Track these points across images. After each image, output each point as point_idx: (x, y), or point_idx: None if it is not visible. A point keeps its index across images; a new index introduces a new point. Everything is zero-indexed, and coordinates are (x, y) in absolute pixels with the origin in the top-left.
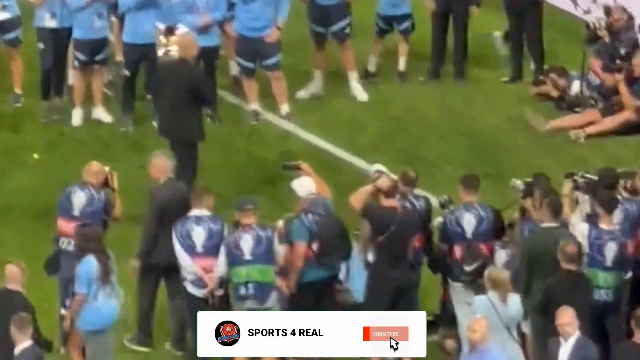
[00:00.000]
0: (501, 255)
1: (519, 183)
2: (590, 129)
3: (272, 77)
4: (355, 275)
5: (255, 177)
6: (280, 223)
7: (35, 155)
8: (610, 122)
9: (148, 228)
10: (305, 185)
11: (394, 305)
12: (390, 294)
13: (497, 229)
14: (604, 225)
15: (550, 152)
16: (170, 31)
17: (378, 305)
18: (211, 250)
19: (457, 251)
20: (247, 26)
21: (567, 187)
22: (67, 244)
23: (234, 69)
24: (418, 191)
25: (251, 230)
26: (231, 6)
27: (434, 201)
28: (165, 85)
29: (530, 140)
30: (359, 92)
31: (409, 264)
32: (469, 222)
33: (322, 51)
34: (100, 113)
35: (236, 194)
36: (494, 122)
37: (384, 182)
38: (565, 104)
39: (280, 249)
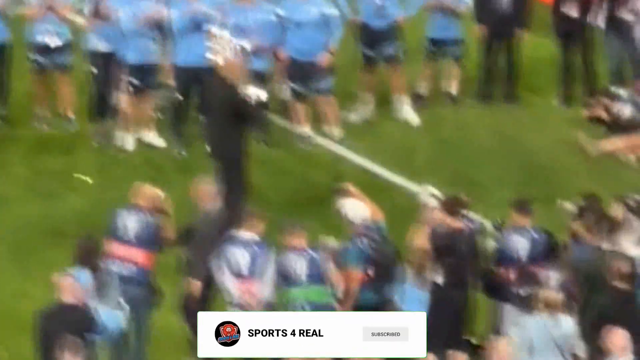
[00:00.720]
0: (553, 277)
1: (568, 205)
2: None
3: (324, 100)
4: (409, 299)
5: (306, 200)
6: (329, 243)
7: (88, 179)
8: None
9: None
10: (358, 210)
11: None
12: (454, 315)
13: (550, 252)
14: None
15: (602, 175)
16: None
17: (444, 325)
18: (256, 274)
19: (512, 274)
20: (298, 49)
21: (618, 209)
22: (123, 269)
23: (285, 93)
24: (471, 214)
25: (304, 252)
26: (284, 29)
27: (488, 225)
28: (211, 106)
29: (582, 164)
30: (411, 115)
31: (468, 286)
32: (523, 245)
33: (373, 74)
34: (152, 137)
35: (287, 217)
36: (545, 145)
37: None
38: (617, 127)
39: (334, 270)
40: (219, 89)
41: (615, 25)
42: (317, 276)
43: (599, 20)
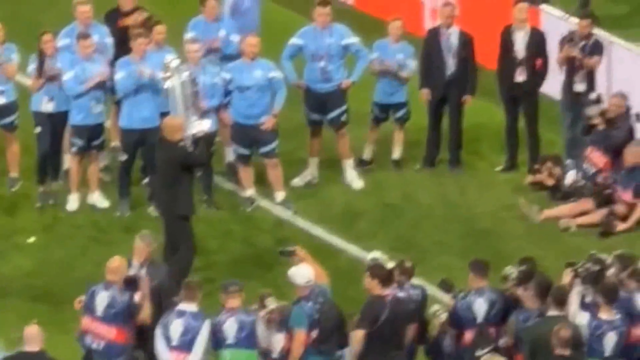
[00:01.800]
0: (502, 341)
1: (512, 271)
2: (582, 220)
3: (268, 164)
4: None
5: (251, 263)
6: (270, 306)
7: (31, 239)
8: (601, 218)
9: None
10: (303, 273)
11: None
12: None
13: (506, 313)
14: (604, 315)
15: (545, 240)
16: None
17: None
18: (186, 345)
19: (468, 336)
20: (243, 113)
21: (567, 276)
22: (95, 344)
23: (230, 156)
24: (414, 280)
25: (235, 314)
26: (227, 93)
27: (430, 289)
28: (156, 165)
29: (525, 229)
30: (355, 179)
31: (403, 355)
32: (480, 307)
33: (318, 138)
34: (97, 198)
35: (232, 278)
36: (489, 210)
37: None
38: (560, 193)
39: (263, 334)
40: (161, 148)
41: (569, 95)
42: (245, 339)
43: (549, 87)
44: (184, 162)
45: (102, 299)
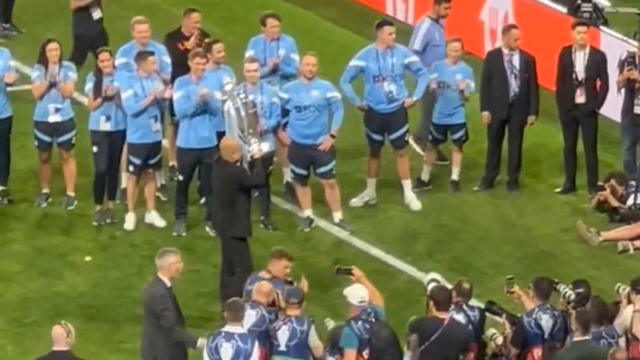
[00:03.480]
0: None
1: (571, 293)
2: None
3: (326, 184)
4: None
5: (309, 284)
6: (329, 325)
7: (88, 258)
8: None
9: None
10: (357, 292)
11: None
12: None
13: (567, 329)
14: None
15: (604, 263)
16: None
17: None
18: None
19: (537, 352)
20: (300, 133)
21: (638, 302)
22: None
23: (288, 176)
24: (473, 302)
25: (289, 323)
26: (286, 113)
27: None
28: (213, 184)
29: (583, 252)
30: (413, 200)
31: None
32: (547, 322)
33: (378, 159)
34: (154, 217)
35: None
36: (547, 233)
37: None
38: (619, 216)
39: (317, 344)
40: (218, 168)
41: (629, 117)
42: (296, 348)
43: (608, 109)
44: (241, 182)
45: (249, 317)
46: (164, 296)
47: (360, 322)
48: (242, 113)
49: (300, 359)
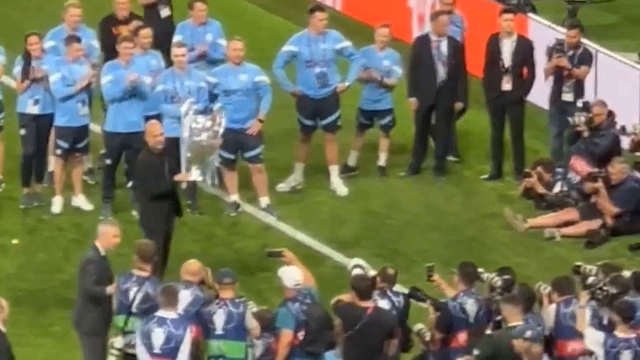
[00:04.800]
0: None
1: (497, 280)
2: (567, 231)
3: (253, 169)
4: None
5: (235, 268)
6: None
7: (15, 241)
8: (587, 226)
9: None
10: (291, 274)
11: None
12: None
13: (489, 317)
14: (620, 334)
15: (530, 250)
16: None
17: None
18: (169, 353)
19: (461, 337)
20: (228, 117)
21: (583, 298)
22: None
23: (215, 160)
24: (398, 288)
25: (224, 306)
26: (213, 97)
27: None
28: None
29: (510, 238)
30: (340, 186)
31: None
32: (472, 307)
33: (308, 145)
34: (81, 201)
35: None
36: (473, 219)
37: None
38: (545, 203)
39: (254, 325)
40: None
41: (557, 104)
42: (233, 331)
43: (535, 96)
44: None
45: (184, 297)
46: (91, 261)
47: (297, 304)
48: (185, 134)
49: (238, 341)
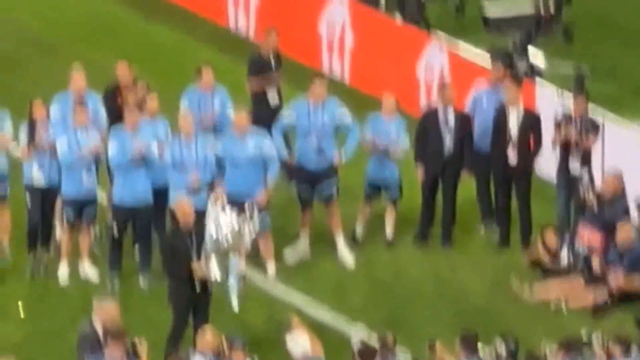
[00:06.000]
0: None
1: (502, 348)
2: (573, 303)
3: (260, 237)
4: None
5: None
6: None
7: (21, 309)
8: (593, 295)
9: None
10: (300, 343)
11: None
12: None
13: None
14: None
15: (536, 319)
16: None
17: None
18: None
19: None
20: (235, 186)
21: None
22: None
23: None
24: (399, 353)
25: None
26: (221, 166)
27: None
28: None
29: (516, 308)
30: (346, 255)
31: None
32: None
33: (309, 212)
34: (87, 269)
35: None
36: (480, 288)
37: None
38: (552, 272)
39: None
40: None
41: (564, 174)
42: None
43: (542, 168)
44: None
45: None
46: (85, 337)
47: None
48: (212, 229)
49: None
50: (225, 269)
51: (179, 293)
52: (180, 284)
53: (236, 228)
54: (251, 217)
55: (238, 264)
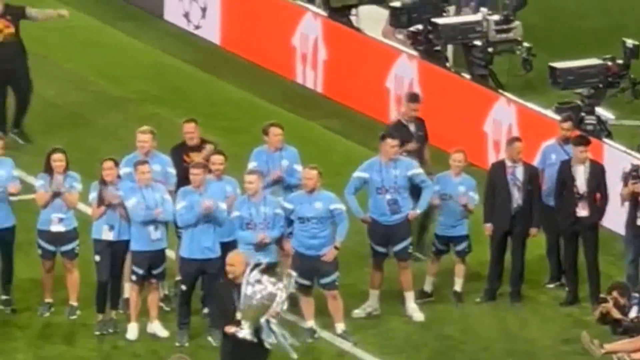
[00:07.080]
0: None
1: None
2: (638, 356)
3: (329, 295)
4: None
5: None
6: None
7: None
8: None
9: None
10: None
11: None
12: None
13: None
14: None
15: None
16: None
17: None
18: None
19: None
20: (304, 244)
21: None
22: None
23: (291, 286)
24: None
25: None
26: (290, 223)
27: None
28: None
29: None
30: (415, 312)
31: None
32: None
33: (381, 271)
34: (156, 327)
35: None
36: (549, 345)
37: None
38: (622, 328)
39: None
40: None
41: (633, 229)
42: None
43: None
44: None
45: None
46: None
47: None
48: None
49: None
50: (256, 329)
51: (225, 349)
52: (225, 338)
53: (266, 288)
54: (286, 287)
55: (273, 322)
